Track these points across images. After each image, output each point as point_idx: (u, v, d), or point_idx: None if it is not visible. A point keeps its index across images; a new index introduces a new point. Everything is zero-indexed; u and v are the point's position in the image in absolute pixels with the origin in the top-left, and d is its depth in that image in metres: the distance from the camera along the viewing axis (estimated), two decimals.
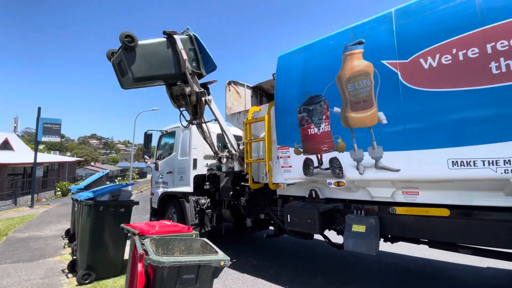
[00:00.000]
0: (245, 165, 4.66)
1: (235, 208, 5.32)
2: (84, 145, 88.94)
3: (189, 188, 5.60)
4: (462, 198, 3.05)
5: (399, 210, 3.44)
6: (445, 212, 3.14)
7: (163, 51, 4.03)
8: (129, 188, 4.93)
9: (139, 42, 3.77)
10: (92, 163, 59.11)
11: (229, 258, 2.14)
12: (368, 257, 5.10)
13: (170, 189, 5.99)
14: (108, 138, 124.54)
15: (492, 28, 2.53)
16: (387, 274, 4.41)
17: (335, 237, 4.43)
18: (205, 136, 4.98)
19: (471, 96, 2.57)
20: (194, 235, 2.59)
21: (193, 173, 5.68)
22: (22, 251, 5.63)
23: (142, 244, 2.05)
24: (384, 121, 3.08)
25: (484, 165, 2.52)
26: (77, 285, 3.87)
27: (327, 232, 4.51)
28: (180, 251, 2.32)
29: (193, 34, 4.39)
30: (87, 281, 3.88)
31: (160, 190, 6.24)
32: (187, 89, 4.25)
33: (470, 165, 2.58)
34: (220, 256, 2.04)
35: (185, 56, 4.11)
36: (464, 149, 2.60)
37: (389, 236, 3.74)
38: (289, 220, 3.99)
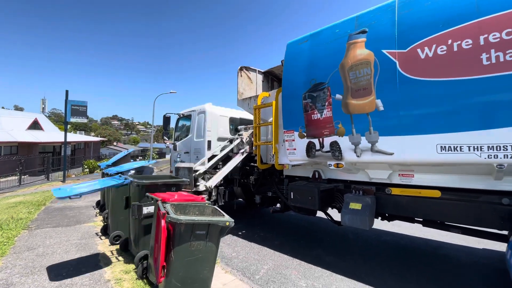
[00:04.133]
0: (254, 147, 5.04)
1: (245, 186, 5.77)
2: (106, 126, 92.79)
3: (204, 167, 6.09)
4: (453, 181, 3.27)
5: (395, 191, 3.72)
6: (437, 194, 3.39)
7: None
8: (150, 165, 5.51)
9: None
10: (115, 143, 62.04)
11: (233, 220, 2.55)
12: (368, 235, 5.45)
13: None
14: (128, 119, 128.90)
15: (486, 20, 2.65)
16: (383, 250, 4.74)
17: (337, 215, 4.78)
18: None
19: (461, 86, 2.74)
20: (206, 204, 3.08)
21: (207, 154, 6.16)
22: (60, 218, 6.41)
23: (164, 207, 2.55)
24: (381, 108, 3.30)
25: (469, 150, 2.73)
26: (109, 245, 4.54)
27: (330, 211, 4.88)
28: (194, 214, 2.80)
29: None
30: (117, 242, 4.50)
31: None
32: None
33: (457, 150, 2.80)
34: (226, 218, 2.50)
35: None
36: (452, 135, 2.81)
37: (386, 214, 4.05)
38: (292, 197, 4.38)
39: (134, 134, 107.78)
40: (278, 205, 5.96)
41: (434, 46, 2.95)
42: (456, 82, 2.77)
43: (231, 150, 5.57)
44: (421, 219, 3.83)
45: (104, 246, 4.58)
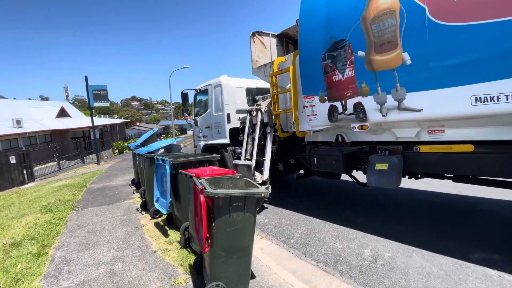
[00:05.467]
0: (273, 117, 4.98)
1: None
2: (127, 107, 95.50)
3: (226, 140, 6.21)
4: (487, 134, 3.08)
5: (423, 149, 3.59)
6: (469, 148, 3.23)
7: None
8: (176, 142, 5.75)
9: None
10: (138, 124, 64.19)
11: (268, 191, 2.63)
12: (399, 195, 5.41)
13: (210, 142, 6.69)
14: (147, 99, 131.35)
15: None
16: (417, 209, 4.69)
17: (362, 177, 4.76)
18: None
19: (500, 28, 2.44)
20: (238, 176, 3.21)
21: (228, 127, 6.22)
22: (102, 197, 6.92)
23: (200, 183, 2.67)
24: (408, 62, 3.07)
25: (507, 99, 2.52)
26: (150, 219, 4.94)
27: (354, 173, 4.86)
28: (228, 187, 2.92)
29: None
30: (157, 215, 4.88)
31: (202, 143, 7.00)
32: None
33: (493, 100, 2.59)
34: (261, 189, 2.59)
35: None
36: (488, 85, 2.59)
37: (413, 173, 3.97)
38: (315, 163, 4.39)
39: (154, 113, 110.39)
40: (302, 171, 6.02)
41: None
42: (494, 25, 2.47)
43: (252, 123, 5.49)
44: (451, 175, 3.72)
45: (145, 220, 4.95)
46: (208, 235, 2.41)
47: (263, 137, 5.32)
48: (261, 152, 5.28)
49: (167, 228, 4.41)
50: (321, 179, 6.98)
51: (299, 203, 5.47)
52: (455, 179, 3.70)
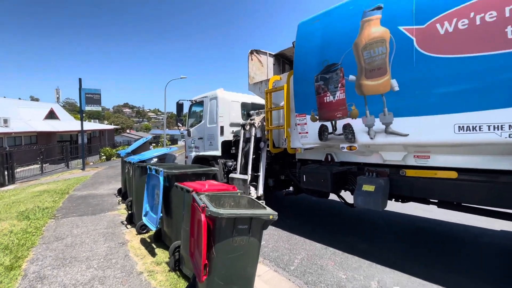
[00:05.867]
0: (266, 132, 5.03)
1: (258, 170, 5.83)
2: (119, 114, 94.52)
3: (218, 152, 6.21)
4: (471, 162, 3.19)
5: (409, 173, 3.68)
6: (453, 175, 3.33)
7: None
8: (172, 152, 5.51)
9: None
10: (128, 131, 63.39)
11: (276, 213, 2.37)
12: (401, 221, 5.27)
13: (201, 153, 6.67)
14: (139, 106, 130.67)
15: None
16: (422, 237, 4.53)
17: (349, 197, 4.78)
18: None
19: (483, 62, 2.61)
20: (239, 193, 2.96)
21: (220, 139, 6.23)
22: (84, 206, 6.51)
23: (200, 199, 2.38)
24: (396, 88, 3.21)
25: (489, 129, 2.64)
26: (136, 234, 4.58)
27: (343, 193, 4.89)
28: (230, 206, 2.66)
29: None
30: (144, 231, 4.54)
31: (193, 154, 6.97)
32: None
33: (476, 130, 2.72)
34: (269, 210, 2.33)
35: None
36: (470, 114, 2.72)
37: (399, 196, 4.04)
38: (304, 180, 4.42)
39: (145, 121, 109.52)
40: (291, 188, 6.03)
41: (455, 20, 2.79)
42: (477, 58, 2.65)
43: (245, 137, 5.53)
44: (436, 201, 3.80)
45: (131, 235, 4.62)
46: (206, 261, 2.12)
47: (255, 151, 5.34)
48: (255, 167, 5.28)
49: (155, 246, 4.11)
50: (312, 197, 6.95)
51: (296, 223, 5.25)
52: (440, 204, 3.78)
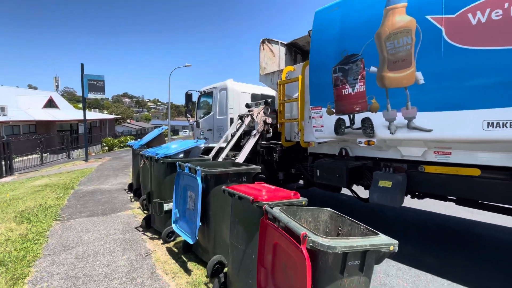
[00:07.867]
0: (266, 126, 4.90)
1: (268, 163, 5.76)
2: (118, 103, 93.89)
3: (228, 149, 6.09)
4: (495, 159, 3.09)
5: (428, 169, 3.58)
6: (476, 172, 3.23)
7: None
8: (201, 145, 5.00)
9: None
10: (128, 121, 63.04)
11: (397, 242, 1.66)
12: (454, 227, 4.88)
13: (211, 145, 6.57)
14: (139, 96, 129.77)
15: None
16: (490, 247, 4.15)
17: (362, 192, 4.71)
18: None
19: None
20: (303, 202, 2.31)
21: (230, 131, 6.11)
22: (93, 204, 5.82)
23: (277, 217, 1.78)
24: (421, 81, 3.08)
25: None
26: (162, 243, 3.91)
27: (355, 187, 4.82)
28: (307, 222, 2.07)
29: None
30: (171, 239, 3.93)
31: (202, 145, 6.84)
32: None
33: (506, 127, 2.61)
34: (385, 238, 1.64)
35: None
36: (501, 111, 2.60)
37: (417, 192, 3.96)
38: (318, 174, 4.34)
39: (145, 111, 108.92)
40: (301, 181, 5.95)
41: (488, 10, 2.64)
42: (509, 51, 2.51)
43: (243, 130, 5.40)
44: (454, 198, 3.73)
45: (153, 243, 3.96)
46: None
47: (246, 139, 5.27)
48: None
49: (185, 259, 3.44)
50: (322, 191, 6.79)
51: None
52: (459, 202, 3.70)
